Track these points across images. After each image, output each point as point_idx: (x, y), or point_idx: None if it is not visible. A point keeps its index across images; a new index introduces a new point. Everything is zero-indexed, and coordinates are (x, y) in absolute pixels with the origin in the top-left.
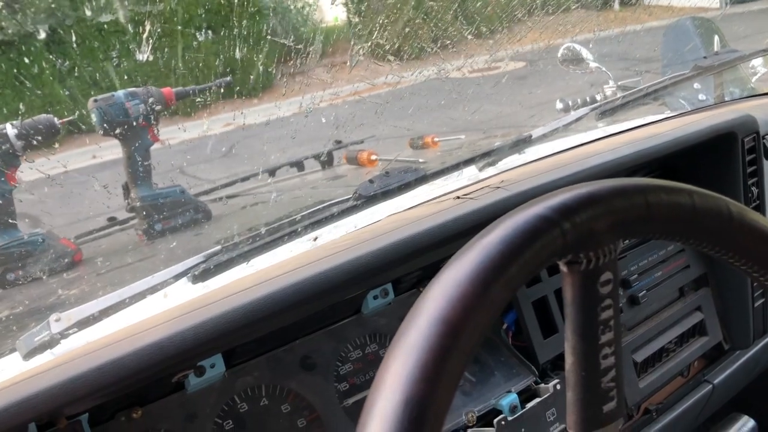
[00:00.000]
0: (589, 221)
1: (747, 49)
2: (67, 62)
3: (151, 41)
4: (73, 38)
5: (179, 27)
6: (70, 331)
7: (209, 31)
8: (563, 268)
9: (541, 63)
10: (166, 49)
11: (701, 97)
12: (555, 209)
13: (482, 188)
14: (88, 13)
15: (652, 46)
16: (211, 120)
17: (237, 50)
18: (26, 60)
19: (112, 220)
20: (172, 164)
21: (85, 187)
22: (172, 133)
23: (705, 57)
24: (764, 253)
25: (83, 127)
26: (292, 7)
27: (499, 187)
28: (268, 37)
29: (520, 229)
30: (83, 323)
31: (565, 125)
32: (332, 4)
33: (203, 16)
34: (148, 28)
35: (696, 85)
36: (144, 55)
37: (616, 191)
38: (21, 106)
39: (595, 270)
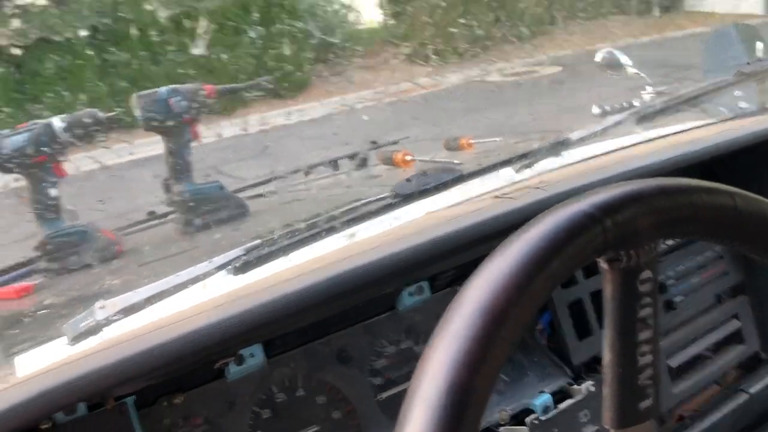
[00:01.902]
0: (631, 219)
1: None
2: (111, 58)
3: (192, 40)
4: (117, 35)
5: (218, 26)
6: (115, 318)
7: (248, 32)
8: (603, 265)
9: (580, 67)
10: (206, 47)
11: (742, 105)
12: (598, 206)
13: (521, 188)
14: (150, 7)
15: (693, 52)
16: (249, 119)
17: (275, 50)
18: (71, 56)
19: (152, 214)
20: (209, 162)
21: (126, 180)
22: (212, 131)
23: (748, 63)
24: None
25: (128, 119)
26: (330, 8)
27: (538, 188)
28: (307, 38)
29: (563, 225)
30: (127, 311)
31: (603, 129)
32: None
33: (242, 17)
34: (189, 26)
35: (737, 93)
36: (194, 50)
37: (660, 190)
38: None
39: (635, 268)
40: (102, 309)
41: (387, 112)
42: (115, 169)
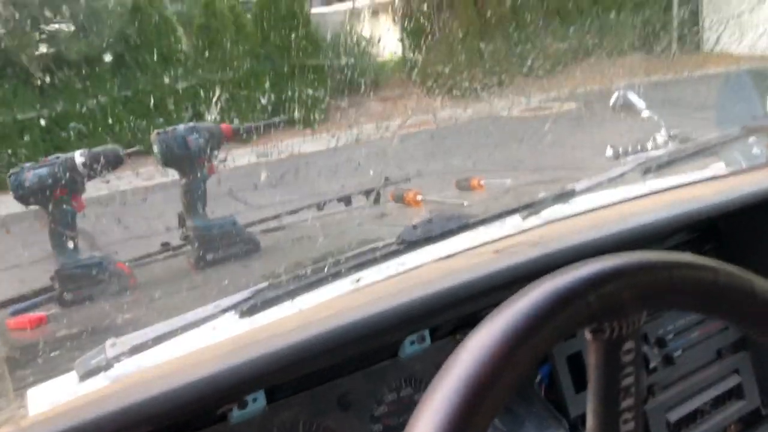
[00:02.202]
0: (614, 293)
1: None
2: (130, 85)
3: (212, 71)
4: (139, 62)
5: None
6: (124, 356)
7: (269, 63)
8: (588, 335)
9: (596, 105)
10: (228, 77)
11: (755, 151)
12: (581, 281)
13: (521, 243)
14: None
15: (709, 93)
16: (266, 148)
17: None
18: (93, 83)
19: (166, 245)
20: (225, 188)
21: (141, 207)
22: (228, 157)
23: (755, 118)
24: None
25: (146, 149)
26: (349, 41)
27: (538, 244)
28: (325, 71)
29: (548, 299)
30: (137, 349)
31: (609, 179)
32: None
33: (264, 49)
34: (209, 56)
35: (751, 139)
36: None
37: (642, 265)
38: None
39: (618, 339)
40: (113, 347)
41: (403, 145)
42: (131, 194)
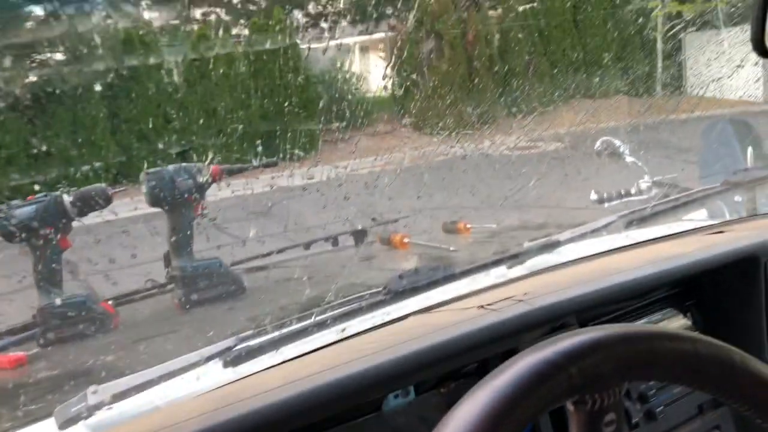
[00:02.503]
0: (594, 366)
1: None
2: (122, 116)
3: (202, 105)
4: (129, 94)
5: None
6: (105, 405)
7: (259, 96)
8: (570, 407)
9: (581, 145)
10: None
11: (736, 198)
12: (563, 354)
13: (506, 299)
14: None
15: (692, 135)
16: (253, 180)
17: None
18: (84, 112)
19: (152, 282)
20: (212, 219)
21: (127, 238)
22: (215, 190)
23: (735, 173)
24: (766, 401)
25: (134, 179)
26: (339, 77)
27: (522, 300)
28: (314, 105)
29: (529, 374)
30: (118, 397)
31: (592, 230)
32: (383, 78)
33: (255, 82)
34: (199, 90)
35: (737, 198)
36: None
37: (622, 338)
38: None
39: (600, 411)
40: (94, 394)
41: (390, 180)
42: (118, 225)
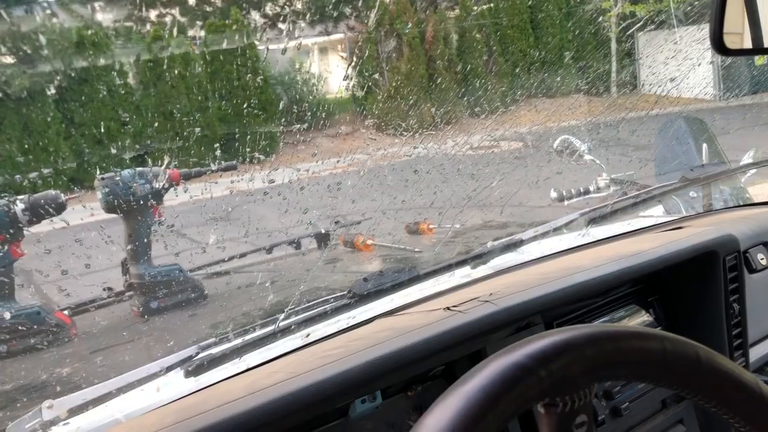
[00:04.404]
0: (564, 368)
1: (737, 144)
2: (75, 119)
3: (158, 107)
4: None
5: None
6: (62, 421)
7: (216, 98)
8: (540, 409)
9: (540, 144)
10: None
11: (692, 194)
12: (532, 357)
13: (471, 299)
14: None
15: (647, 133)
16: (212, 183)
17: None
18: (34, 115)
19: (109, 291)
20: (170, 226)
21: (84, 245)
22: (172, 195)
23: (692, 170)
24: (731, 397)
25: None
26: (299, 78)
27: (487, 301)
28: (274, 107)
29: (499, 378)
30: (75, 411)
31: (554, 228)
32: (343, 79)
33: (212, 84)
34: (155, 91)
35: (692, 194)
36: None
37: (590, 338)
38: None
39: (570, 413)
40: (50, 409)
41: (352, 181)
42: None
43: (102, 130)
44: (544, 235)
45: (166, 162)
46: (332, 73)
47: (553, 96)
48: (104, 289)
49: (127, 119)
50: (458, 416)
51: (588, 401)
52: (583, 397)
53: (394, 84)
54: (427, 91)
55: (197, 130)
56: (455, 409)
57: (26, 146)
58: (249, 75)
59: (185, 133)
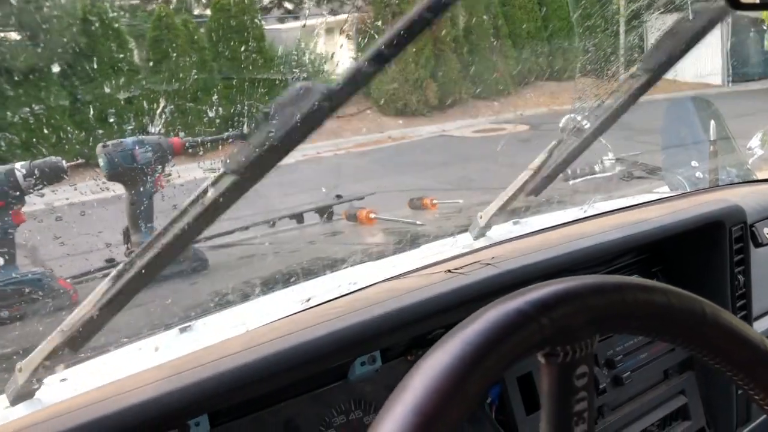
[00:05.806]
0: (566, 317)
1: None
2: (80, 96)
3: (164, 84)
4: (88, 73)
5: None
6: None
7: (221, 77)
8: (541, 359)
9: (546, 126)
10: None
11: (698, 174)
12: (533, 304)
13: (473, 263)
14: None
15: (654, 117)
16: (213, 163)
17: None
18: (40, 92)
19: (111, 262)
20: (176, 202)
21: (87, 221)
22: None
23: (697, 143)
24: (735, 353)
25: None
26: (302, 57)
27: (489, 264)
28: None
29: (499, 323)
30: (71, 365)
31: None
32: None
33: (217, 63)
34: (161, 68)
35: (694, 163)
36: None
37: (594, 288)
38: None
39: (571, 363)
40: (20, 372)
41: (356, 161)
42: (78, 207)
43: (105, 105)
44: (549, 207)
45: (159, 130)
46: (337, 53)
47: (560, 78)
48: (106, 260)
49: (129, 95)
50: (456, 359)
51: (589, 352)
52: (585, 348)
53: (398, 65)
54: (432, 73)
55: (201, 108)
56: (453, 352)
57: (31, 123)
58: (254, 53)
59: (188, 110)
